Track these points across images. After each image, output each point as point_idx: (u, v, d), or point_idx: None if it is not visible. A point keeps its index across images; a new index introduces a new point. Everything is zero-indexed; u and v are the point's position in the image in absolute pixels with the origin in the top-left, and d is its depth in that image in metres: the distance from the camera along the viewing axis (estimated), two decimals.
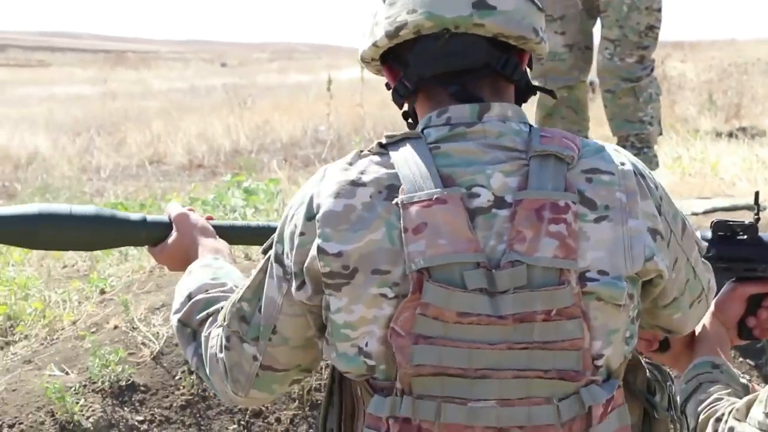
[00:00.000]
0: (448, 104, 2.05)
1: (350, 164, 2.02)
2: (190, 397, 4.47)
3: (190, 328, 2.30)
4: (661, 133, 5.86)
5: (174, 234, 2.53)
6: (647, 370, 2.18)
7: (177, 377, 4.52)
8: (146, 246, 2.60)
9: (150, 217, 2.56)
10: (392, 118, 13.37)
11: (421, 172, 1.97)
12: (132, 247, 5.72)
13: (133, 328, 4.70)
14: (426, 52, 2.06)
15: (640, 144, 5.65)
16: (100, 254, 5.77)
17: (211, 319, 2.27)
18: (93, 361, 4.40)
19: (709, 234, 2.70)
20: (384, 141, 2.04)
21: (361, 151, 2.05)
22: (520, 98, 2.15)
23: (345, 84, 17.31)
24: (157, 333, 4.66)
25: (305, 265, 1.99)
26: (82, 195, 10.39)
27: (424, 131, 2.05)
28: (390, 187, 1.97)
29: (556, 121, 5.70)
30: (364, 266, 1.93)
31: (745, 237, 2.68)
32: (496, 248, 1.93)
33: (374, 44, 2.08)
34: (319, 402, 4.56)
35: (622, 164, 2.03)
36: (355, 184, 1.98)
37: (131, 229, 2.53)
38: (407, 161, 1.99)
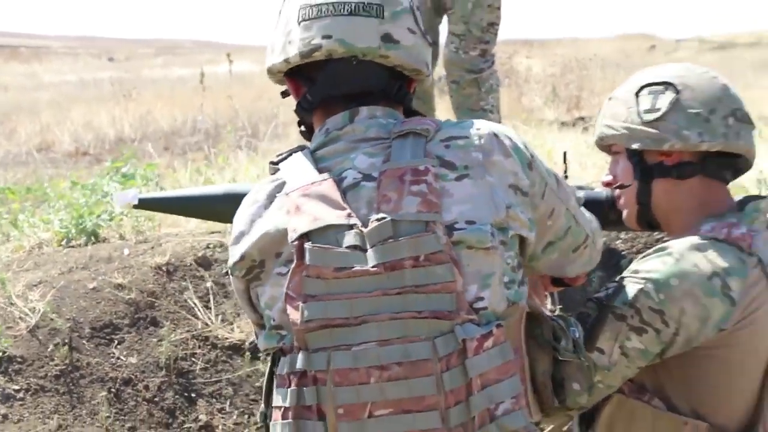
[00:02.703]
0: None
1: (249, 196, 2.18)
2: (63, 368, 4.38)
3: None
4: (500, 121, 5.91)
5: None
6: (552, 320, 2.25)
7: (51, 349, 4.42)
8: None
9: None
10: (264, 109, 13.30)
11: (303, 170, 2.10)
12: (14, 229, 5.59)
13: (11, 303, 4.59)
14: (335, 74, 2.17)
15: None
16: None
17: None
18: None
19: None
20: (275, 160, 2.20)
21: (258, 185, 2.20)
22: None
23: (224, 78, 17.14)
24: (34, 308, 4.55)
25: (238, 298, 2.20)
26: None
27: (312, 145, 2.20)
28: (278, 193, 2.12)
29: None
30: (267, 254, 2.06)
31: None
32: (368, 216, 2.03)
33: (286, 60, 2.17)
34: (185, 369, 4.53)
35: (478, 129, 2.14)
36: (254, 202, 2.14)
37: None
38: (292, 167, 2.13)
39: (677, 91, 2.52)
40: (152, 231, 5.40)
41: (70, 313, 4.58)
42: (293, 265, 1.99)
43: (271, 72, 2.23)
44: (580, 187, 2.81)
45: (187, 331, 4.62)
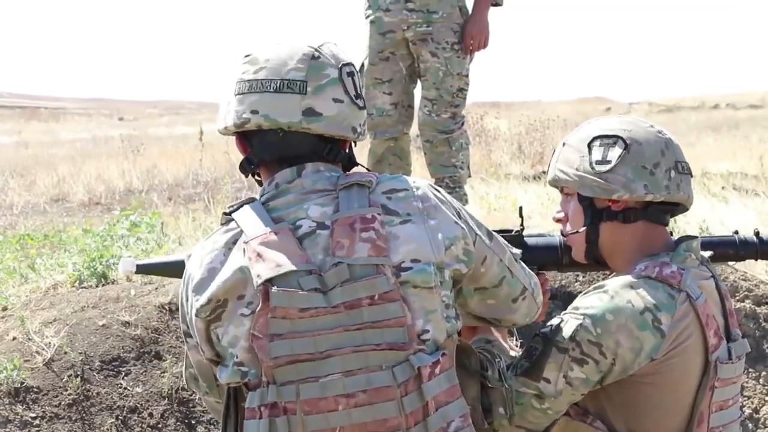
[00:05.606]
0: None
1: (204, 245, 2.17)
2: (75, 397, 4.39)
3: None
4: (470, 176, 5.94)
5: None
6: (479, 353, 2.30)
7: (65, 380, 4.44)
8: None
9: None
10: None
11: (260, 220, 2.11)
12: (31, 271, 5.61)
13: (29, 339, 4.60)
14: (266, 142, 2.21)
15: (453, 184, 5.73)
16: (3, 276, 5.63)
17: None
18: None
19: None
20: (227, 211, 2.19)
21: (210, 235, 2.20)
22: (345, 171, 2.29)
23: (221, 135, 17.13)
24: (49, 343, 4.56)
25: (196, 336, 2.14)
26: None
27: (261, 197, 2.21)
28: (235, 241, 2.12)
29: (384, 167, 5.74)
30: (230, 295, 2.06)
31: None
32: (325, 260, 2.06)
33: (225, 127, 2.22)
34: (185, 399, 4.53)
35: (415, 182, 2.20)
36: (212, 251, 2.13)
37: None
38: (247, 217, 2.13)
39: (626, 145, 2.54)
40: None
41: (82, 348, 4.59)
42: (259, 308, 2.02)
43: (221, 132, 2.28)
44: (540, 235, 2.84)
45: None
